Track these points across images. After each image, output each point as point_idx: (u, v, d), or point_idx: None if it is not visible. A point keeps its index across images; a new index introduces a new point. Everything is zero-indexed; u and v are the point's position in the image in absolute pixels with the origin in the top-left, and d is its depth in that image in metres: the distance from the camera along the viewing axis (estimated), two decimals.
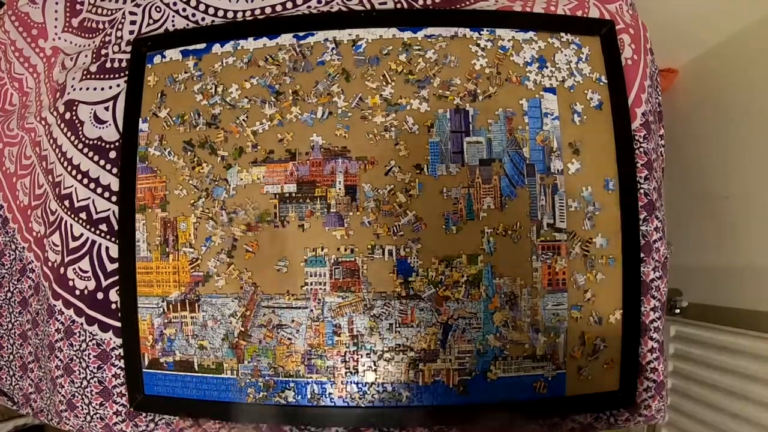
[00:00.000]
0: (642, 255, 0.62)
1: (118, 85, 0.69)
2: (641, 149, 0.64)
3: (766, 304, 0.84)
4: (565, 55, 0.63)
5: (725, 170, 0.95)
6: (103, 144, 0.68)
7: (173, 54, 0.67)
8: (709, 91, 1.00)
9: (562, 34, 0.64)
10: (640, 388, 0.63)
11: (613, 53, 0.63)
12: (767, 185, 0.86)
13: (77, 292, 0.67)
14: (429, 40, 0.63)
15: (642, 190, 0.63)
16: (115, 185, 0.67)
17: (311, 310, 0.61)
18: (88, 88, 0.70)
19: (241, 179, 0.63)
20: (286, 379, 0.62)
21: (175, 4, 0.70)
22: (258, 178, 0.63)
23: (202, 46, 0.67)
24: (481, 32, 0.63)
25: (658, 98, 0.69)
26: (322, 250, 0.61)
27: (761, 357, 0.78)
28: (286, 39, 0.65)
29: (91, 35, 0.74)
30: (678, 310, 0.98)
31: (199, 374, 0.64)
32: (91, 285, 0.67)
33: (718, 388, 0.85)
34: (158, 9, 0.70)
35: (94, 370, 0.67)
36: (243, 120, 0.64)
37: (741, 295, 0.90)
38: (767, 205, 0.85)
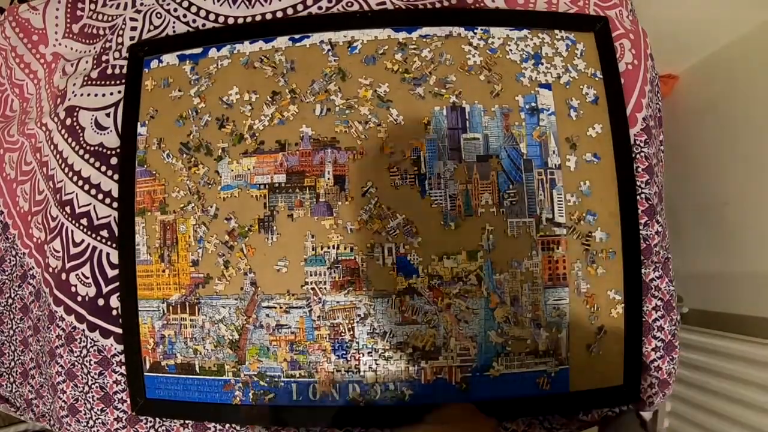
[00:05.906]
0: (642, 258, 0.62)
1: (119, 92, 0.69)
2: (642, 154, 0.63)
3: (766, 310, 0.84)
4: (560, 52, 0.64)
5: (725, 176, 0.94)
6: (104, 150, 0.69)
7: (170, 59, 0.68)
8: (710, 97, 0.99)
9: (557, 31, 0.65)
10: (644, 384, 0.62)
11: (607, 49, 0.64)
12: (767, 191, 0.85)
13: (78, 299, 0.67)
14: (424, 39, 0.64)
15: (643, 195, 0.63)
16: (116, 191, 0.67)
17: (312, 310, 0.61)
18: (89, 95, 0.70)
19: (232, 170, 0.64)
20: (288, 379, 0.62)
21: (175, 10, 0.71)
22: (248, 169, 0.63)
23: (199, 50, 0.67)
24: (475, 31, 0.64)
25: (658, 104, 0.69)
26: (321, 249, 0.61)
27: (761, 363, 0.77)
28: (281, 42, 0.66)
29: (91, 41, 0.75)
30: (678, 316, 0.97)
31: (201, 377, 0.64)
32: (92, 291, 0.67)
33: (718, 394, 0.84)
34: (159, 15, 0.71)
35: (95, 376, 0.67)
36: (241, 119, 0.64)
37: (741, 301, 0.89)
38: (767, 211, 0.85)
